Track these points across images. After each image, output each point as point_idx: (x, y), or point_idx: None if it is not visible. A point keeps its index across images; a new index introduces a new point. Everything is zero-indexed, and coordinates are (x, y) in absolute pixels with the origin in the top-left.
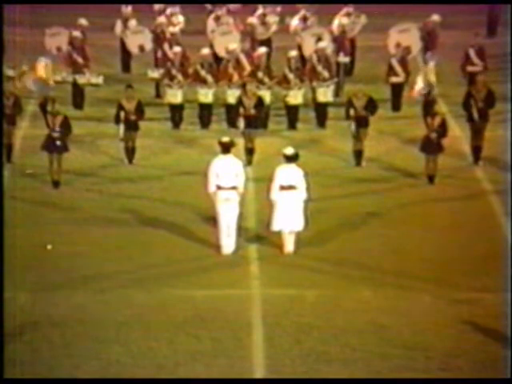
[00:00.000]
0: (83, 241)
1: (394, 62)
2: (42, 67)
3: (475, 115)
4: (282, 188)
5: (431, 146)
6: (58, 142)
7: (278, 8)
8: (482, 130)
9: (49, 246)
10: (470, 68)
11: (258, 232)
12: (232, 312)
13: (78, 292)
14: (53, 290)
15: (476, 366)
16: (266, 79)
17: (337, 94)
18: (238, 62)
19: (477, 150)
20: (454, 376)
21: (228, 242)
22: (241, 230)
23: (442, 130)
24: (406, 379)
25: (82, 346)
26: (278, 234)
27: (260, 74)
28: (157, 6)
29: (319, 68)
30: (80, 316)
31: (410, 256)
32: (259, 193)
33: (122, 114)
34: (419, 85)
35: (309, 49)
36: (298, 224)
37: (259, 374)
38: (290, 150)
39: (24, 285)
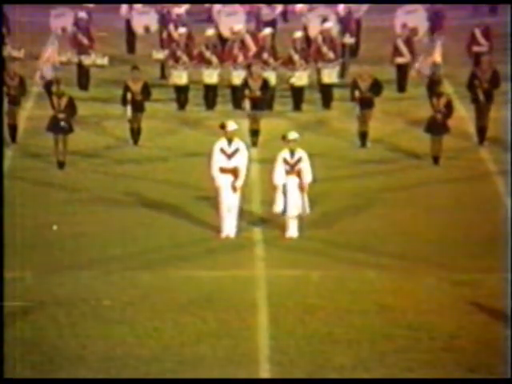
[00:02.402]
0: (88, 222)
1: (400, 43)
2: (55, 51)
3: (480, 96)
4: (287, 172)
5: (436, 127)
6: (63, 123)
7: None
8: (487, 111)
9: (55, 227)
10: (475, 48)
11: (262, 214)
12: (237, 293)
13: (83, 272)
14: (58, 270)
15: (479, 347)
16: (271, 60)
17: (342, 75)
18: (243, 42)
19: (482, 131)
20: (458, 356)
21: (228, 225)
22: (245, 211)
23: (448, 110)
24: (406, 379)
25: (87, 326)
26: (283, 215)
27: (265, 55)
28: None
29: (324, 49)
30: (86, 296)
31: (415, 237)
32: (264, 174)
33: (129, 95)
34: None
35: (314, 30)
36: (304, 208)
37: (264, 354)
38: (293, 135)
39: (30, 265)
